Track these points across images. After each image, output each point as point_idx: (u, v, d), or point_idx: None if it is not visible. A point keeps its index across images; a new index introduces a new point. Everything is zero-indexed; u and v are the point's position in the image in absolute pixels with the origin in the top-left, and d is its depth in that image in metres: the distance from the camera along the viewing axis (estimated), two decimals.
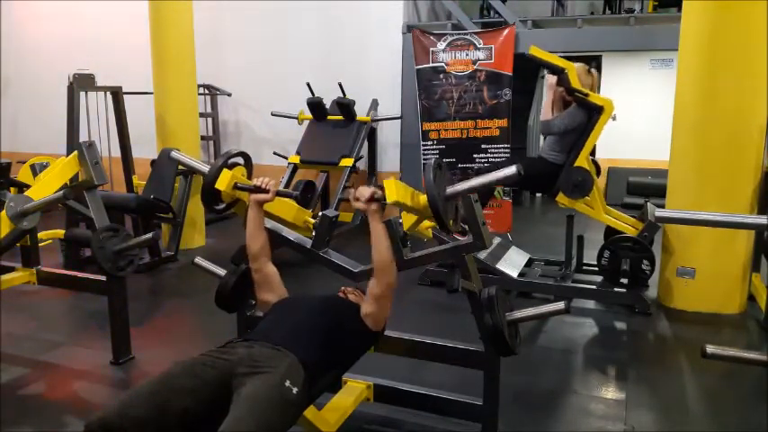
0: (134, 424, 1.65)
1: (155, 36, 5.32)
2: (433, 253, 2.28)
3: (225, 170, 3.17)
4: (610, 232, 4.26)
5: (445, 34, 5.75)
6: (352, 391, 2.45)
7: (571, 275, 4.32)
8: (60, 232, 4.59)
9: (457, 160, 5.76)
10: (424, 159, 5.82)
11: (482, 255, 4.10)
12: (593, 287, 4.15)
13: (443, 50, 5.70)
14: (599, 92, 4.22)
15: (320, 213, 3.65)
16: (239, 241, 2.55)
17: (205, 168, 3.31)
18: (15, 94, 8.29)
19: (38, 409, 2.72)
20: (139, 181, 5.22)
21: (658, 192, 4.80)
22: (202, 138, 6.62)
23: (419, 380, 2.61)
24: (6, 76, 8.27)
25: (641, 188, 7.70)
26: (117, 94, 5.21)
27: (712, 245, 3.86)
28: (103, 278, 3.10)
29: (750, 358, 1.93)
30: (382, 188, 2.06)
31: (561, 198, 4.05)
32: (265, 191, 2.38)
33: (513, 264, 4.43)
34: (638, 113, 7.97)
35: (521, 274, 4.34)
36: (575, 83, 3.85)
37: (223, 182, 3.15)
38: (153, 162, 5.08)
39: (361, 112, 6.02)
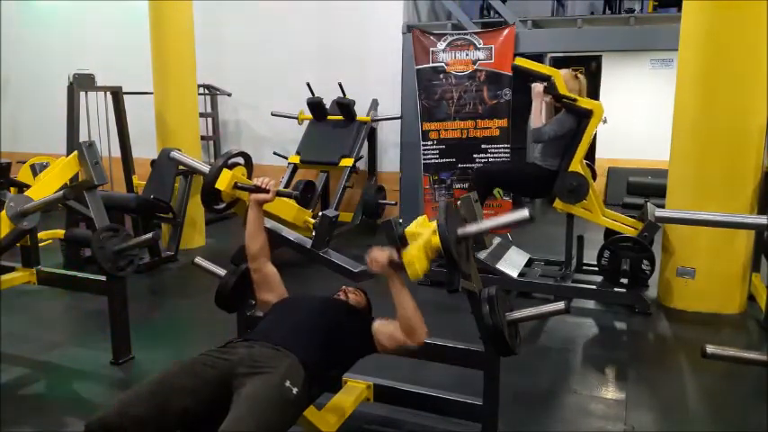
0: (134, 423, 1.65)
1: (155, 36, 5.32)
2: None
3: (225, 170, 3.17)
4: (610, 232, 4.27)
5: (445, 34, 5.75)
6: (352, 391, 2.45)
7: (571, 275, 4.32)
8: (60, 232, 4.58)
9: (457, 160, 5.76)
10: (424, 159, 5.83)
11: (482, 255, 4.10)
12: (593, 287, 4.15)
13: (443, 50, 5.70)
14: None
15: (320, 213, 3.66)
16: (239, 241, 2.55)
17: (205, 168, 3.31)
18: (15, 94, 8.29)
19: (38, 409, 2.73)
20: (139, 181, 5.22)
21: (658, 192, 4.80)
22: (202, 138, 6.62)
23: (419, 380, 2.61)
24: (6, 76, 8.27)
25: (641, 188, 7.69)
26: (117, 94, 5.21)
27: (712, 245, 3.86)
28: (103, 278, 3.10)
29: (750, 358, 1.93)
30: (398, 250, 1.99)
31: (558, 203, 4.08)
32: (265, 191, 2.38)
33: (513, 264, 4.43)
34: (638, 113, 7.96)
35: (521, 274, 4.34)
36: (562, 89, 3.87)
37: (223, 181, 3.16)
38: (153, 162, 5.08)
39: (361, 112, 6.02)
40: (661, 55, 7.82)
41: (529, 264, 4.67)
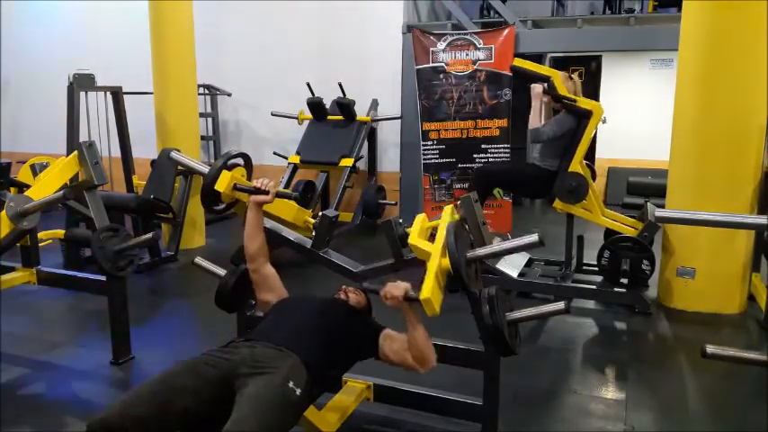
0: (135, 423, 1.65)
1: (155, 36, 5.32)
2: None
3: (224, 171, 3.17)
4: (610, 232, 4.27)
5: (445, 34, 5.75)
6: (352, 391, 2.45)
7: (571, 275, 4.32)
8: (60, 232, 4.58)
9: (457, 160, 5.76)
10: (424, 159, 5.83)
11: None
12: (593, 287, 4.15)
13: (443, 50, 5.70)
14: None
15: (320, 213, 3.66)
16: (239, 241, 2.55)
17: (205, 169, 3.31)
18: (15, 94, 8.29)
19: (38, 409, 2.72)
20: (139, 181, 5.21)
21: (658, 192, 4.80)
22: (202, 138, 6.62)
23: (419, 380, 2.61)
24: (6, 76, 8.27)
25: (641, 188, 7.69)
26: (117, 94, 5.20)
27: (712, 245, 3.86)
28: (103, 278, 3.10)
29: (750, 358, 1.93)
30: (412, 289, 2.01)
31: (558, 203, 4.08)
32: (265, 192, 2.38)
33: (513, 264, 4.43)
34: (638, 113, 7.96)
35: (521, 274, 4.33)
36: (561, 90, 3.88)
37: (222, 183, 3.15)
38: (153, 162, 5.08)
39: (361, 112, 6.02)
40: (661, 55, 7.82)
41: (529, 264, 4.66)
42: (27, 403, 2.77)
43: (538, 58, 6.50)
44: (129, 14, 7.02)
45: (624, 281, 4.01)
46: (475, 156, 5.71)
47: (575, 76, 4.11)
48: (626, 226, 4.18)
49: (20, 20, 8.09)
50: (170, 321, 3.95)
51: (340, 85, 5.90)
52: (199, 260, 2.60)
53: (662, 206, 4.01)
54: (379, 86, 6.32)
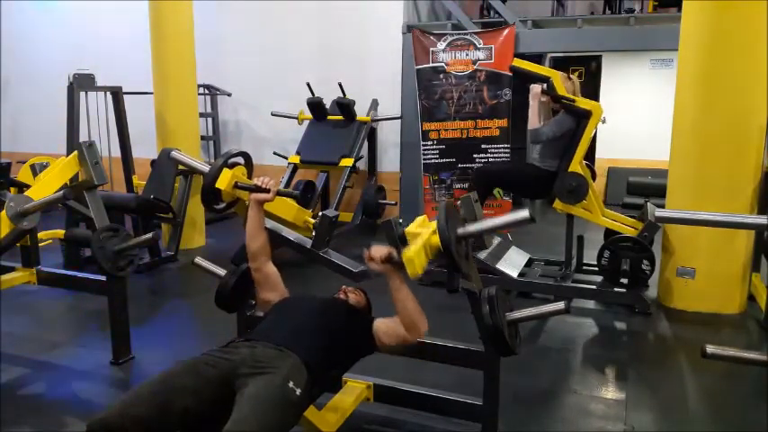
0: (135, 423, 1.65)
1: (155, 36, 5.32)
2: None
3: (225, 169, 3.18)
4: (610, 232, 4.27)
5: (445, 34, 5.75)
6: (352, 391, 2.45)
7: (571, 275, 4.32)
8: (60, 232, 4.58)
9: (457, 160, 5.76)
10: (424, 159, 5.83)
11: (482, 255, 4.10)
12: (593, 287, 4.15)
13: (443, 50, 5.70)
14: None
15: (320, 213, 3.66)
16: (239, 241, 2.55)
17: (205, 168, 3.31)
18: (15, 94, 8.29)
19: (38, 409, 2.72)
20: (139, 181, 5.22)
21: (658, 192, 4.80)
22: (202, 138, 6.62)
23: (419, 380, 2.61)
24: (6, 76, 8.27)
25: (641, 188, 7.69)
26: (117, 94, 5.21)
27: (712, 245, 3.86)
28: (103, 278, 3.10)
29: (750, 358, 1.93)
30: (398, 248, 2.00)
31: (558, 204, 4.09)
32: (266, 190, 2.39)
33: (513, 264, 4.43)
34: (638, 113, 7.96)
35: (521, 274, 4.33)
36: (560, 90, 3.88)
37: (224, 181, 3.16)
38: (153, 162, 5.08)
39: (361, 112, 6.02)
40: (661, 55, 7.82)
41: (529, 264, 4.67)
42: (27, 403, 2.77)
43: (538, 58, 6.49)
44: (129, 14, 7.02)
45: (624, 281, 4.01)
46: (475, 156, 5.71)
47: (573, 76, 4.12)
48: (626, 226, 4.18)
49: (20, 20, 8.09)
50: (170, 321, 3.95)
51: (340, 85, 5.90)
52: (199, 260, 2.60)
53: (662, 206, 4.01)
54: (379, 86, 6.32)
